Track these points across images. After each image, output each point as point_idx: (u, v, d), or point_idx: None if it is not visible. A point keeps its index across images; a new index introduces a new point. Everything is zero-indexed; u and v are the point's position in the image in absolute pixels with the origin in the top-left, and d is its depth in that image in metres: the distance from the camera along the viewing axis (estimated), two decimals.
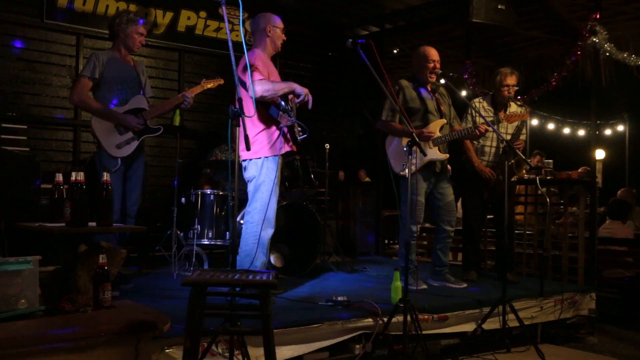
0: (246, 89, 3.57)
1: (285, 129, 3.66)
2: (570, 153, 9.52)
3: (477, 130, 4.36)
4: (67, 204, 2.98)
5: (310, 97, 3.70)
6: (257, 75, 3.56)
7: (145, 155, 4.31)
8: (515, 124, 4.70)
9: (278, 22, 3.88)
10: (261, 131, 3.70)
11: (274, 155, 3.70)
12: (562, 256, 5.09)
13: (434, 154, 4.33)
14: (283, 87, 3.64)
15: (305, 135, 3.72)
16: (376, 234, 6.83)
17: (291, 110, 3.69)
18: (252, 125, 3.70)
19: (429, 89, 4.45)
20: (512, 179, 4.85)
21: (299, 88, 3.67)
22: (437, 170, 4.42)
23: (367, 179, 8.94)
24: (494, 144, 4.77)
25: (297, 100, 3.68)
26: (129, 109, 4.03)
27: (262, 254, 3.68)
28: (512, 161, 4.42)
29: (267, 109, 3.69)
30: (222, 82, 4.55)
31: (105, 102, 3.98)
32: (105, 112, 3.93)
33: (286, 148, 3.78)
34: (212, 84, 4.44)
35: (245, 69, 3.58)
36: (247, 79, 3.49)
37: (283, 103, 3.65)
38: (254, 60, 3.65)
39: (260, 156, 3.68)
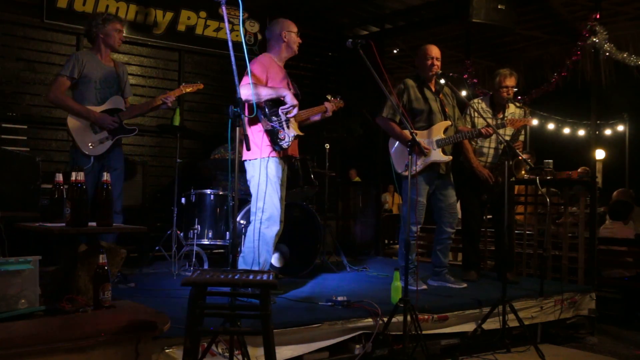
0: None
1: (266, 133, 3.72)
2: (570, 153, 9.52)
3: (484, 129, 4.35)
4: (67, 204, 2.98)
5: (296, 110, 3.78)
6: (245, 79, 3.58)
7: (123, 153, 4.32)
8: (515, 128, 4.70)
9: (292, 27, 4.01)
10: (257, 132, 3.77)
11: (272, 157, 3.73)
12: (562, 256, 5.09)
13: (438, 155, 4.33)
14: (268, 93, 3.70)
15: (286, 143, 3.74)
16: (376, 234, 6.83)
17: (275, 116, 3.73)
18: (250, 126, 3.77)
19: (433, 89, 4.45)
20: (511, 179, 4.85)
21: (289, 97, 3.72)
22: (442, 172, 4.42)
23: (357, 179, 8.93)
24: (493, 145, 4.77)
25: (281, 108, 3.74)
26: (106, 109, 4.08)
27: (266, 252, 3.72)
28: (511, 162, 4.42)
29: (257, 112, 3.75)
30: (201, 86, 4.60)
31: (83, 101, 4.04)
32: (81, 111, 4.00)
33: (286, 151, 3.81)
34: (191, 89, 4.47)
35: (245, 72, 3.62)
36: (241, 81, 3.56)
37: (267, 108, 3.71)
38: (251, 65, 3.72)
39: (256, 157, 3.73)
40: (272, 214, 3.71)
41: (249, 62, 3.66)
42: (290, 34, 3.99)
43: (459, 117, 4.62)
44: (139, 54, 5.95)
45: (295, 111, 3.79)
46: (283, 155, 3.82)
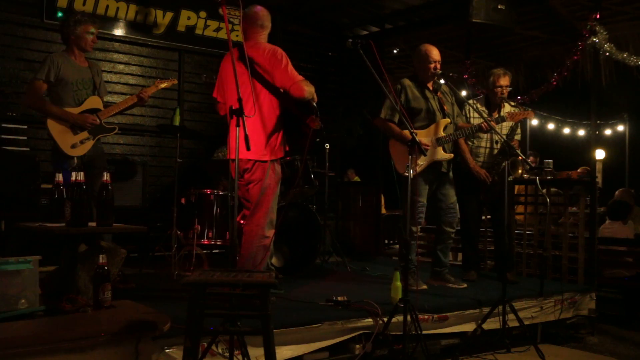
0: (266, 83, 3.53)
1: (310, 133, 3.62)
2: (570, 153, 9.53)
3: (483, 124, 4.35)
4: (67, 204, 2.98)
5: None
6: (295, 73, 3.53)
7: (105, 152, 4.38)
8: (510, 124, 4.70)
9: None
10: (270, 133, 3.61)
11: (280, 158, 3.69)
12: (562, 256, 5.09)
13: (439, 154, 4.33)
14: (314, 89, 3.59)
15: (317, 140, 3.72)
16: (376, 234, 6.83)
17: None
18: (261, 127, 3.59)
19: (431, 88, 4.45)
20: (509, 179, 4.85)
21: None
22: (444, 170, 4.42)
23: (357, 179, 8.92)
24: (488, 144, 4.78)
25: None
26: (84, 110, 4.10)
27: (265, 257, 3.66)
28: (508, 162, 4.42)
29: (284, 111, 3.64)
30: (175, 82, 4.63)
31: (61, 103, 4.05)
32: (60, 114, 4.01)
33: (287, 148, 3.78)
34: (166, 84, 4.51)
35: (276, 62, 3.53)
36: (286, 75, 3.50)
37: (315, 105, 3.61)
38: (287, 59, 3.58)
39: (267, 159, 3.60)
40: (272, 218, 3.66)
41: (277, 53, 3.55)
42: (270, 27, 3.80)
43: (458, 114, 4.62)
44: (139, 54, 5.94)
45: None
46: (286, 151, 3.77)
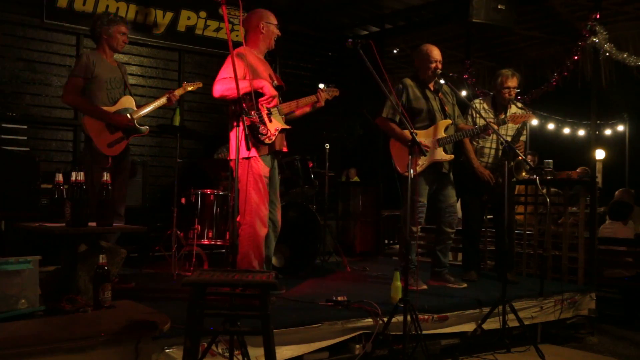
0: None
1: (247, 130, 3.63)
2: (570, 153, 9.52)
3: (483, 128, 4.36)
4: (67, 204, 2.99)
5: (275, 101, 3.70)
6: (219, 74, 3.53)
7: (130, 154, 4.37)
8: (516, 125, 4.70)
9: (272, 18, 3.82)
10: (241, 130, 3.64)
11: (257, 155, 3.66)
12: (562, 256, 5.09)
13: (439, 154, 4.33)
14: (243, 85, 3.52)
15: (269, 138, 3.67)
16: (376, 233, 6.83)
17: (254, 110, 3.61)
18: (234, 124, 3.57)
19: (432, 88, 4.45)
20: (512, 180, 4.86)
21: (266, 88, 3.62)
22: (444, 171, 4.42)
23: (356, 178, 8.91)
24: (494, 145, 4.77)
25: (260, 100, 3.63)
26: (118, 109, 4.09)
27: (258, 255, 3.64)
28: (512, 163, 4.42)
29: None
30: (201, 85, 4.65)
31: (95, 102, 4.04)
32: (98, 112, 4.00)
33: (273, 147, 3.76)
34: (192, 87, 4.55)
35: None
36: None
37: (244, 103, 3.58)
38: (227, 60, 3.60)
39: (242, 156, 3.54)
40: (261, 216, 3.64)
41: (227, 57, 3.57)
42: (269, 26, 3.79)
43: (458, 115, 4.62)
44: (139, 54, 5.95)
45: (274, 102, 3.68)
46: (270, 151, 3.72)
